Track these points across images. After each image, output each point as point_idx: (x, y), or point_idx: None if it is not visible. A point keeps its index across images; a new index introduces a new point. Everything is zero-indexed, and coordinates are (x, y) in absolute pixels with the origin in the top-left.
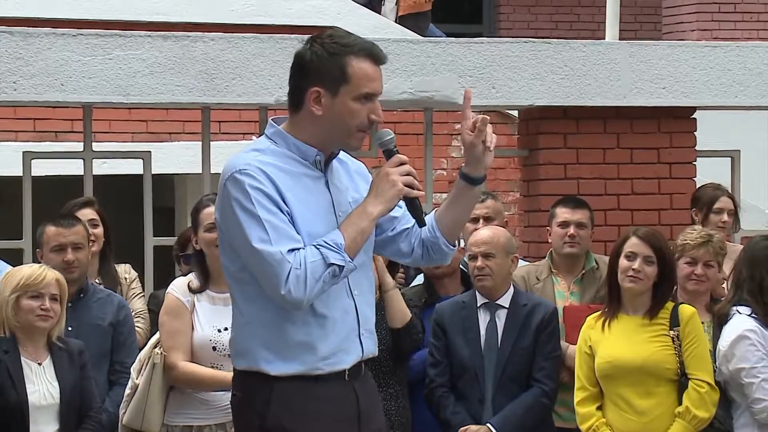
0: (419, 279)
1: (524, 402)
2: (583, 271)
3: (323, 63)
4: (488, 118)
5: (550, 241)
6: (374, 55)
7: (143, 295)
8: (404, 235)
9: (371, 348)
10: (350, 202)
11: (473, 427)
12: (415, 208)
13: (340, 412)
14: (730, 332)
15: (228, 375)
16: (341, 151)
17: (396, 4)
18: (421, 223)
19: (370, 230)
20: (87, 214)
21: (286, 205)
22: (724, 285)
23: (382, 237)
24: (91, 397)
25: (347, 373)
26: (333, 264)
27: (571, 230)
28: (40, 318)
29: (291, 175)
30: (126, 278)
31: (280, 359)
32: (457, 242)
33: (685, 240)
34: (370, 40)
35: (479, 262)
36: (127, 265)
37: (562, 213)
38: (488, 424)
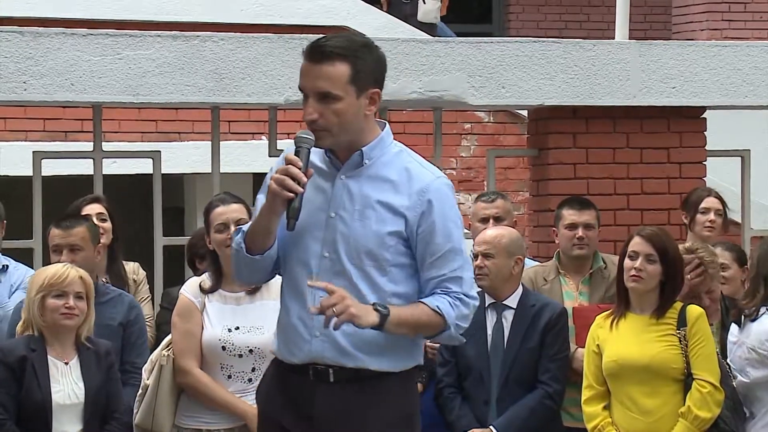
0: None
1: (528, 404)
2: (591, 271)
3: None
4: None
5: (557, 241)
6: (306, 51)
7: (151, 299)
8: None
9: (326, 353)
10: (357, 209)
11: (477, 431)
12: (287, 208)
13: (295, 406)
14: (763, 331)
15: (242, 407)
16: (415, 157)
17: (440, 2)
18: (287, 224)
19: (261, 224)
20: (95, 208)
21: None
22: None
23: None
24: (117, 398)
25: (311, 371)
26: (233, 247)
27: (580, 232)
28: (65, 316)
29: (315, 170)
30: (134, 279)
31: (275, 339)
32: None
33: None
34: (323, 37)
35: (478, 262)
36: (136, 264)
37: (569, 215)
38: (491, 427)
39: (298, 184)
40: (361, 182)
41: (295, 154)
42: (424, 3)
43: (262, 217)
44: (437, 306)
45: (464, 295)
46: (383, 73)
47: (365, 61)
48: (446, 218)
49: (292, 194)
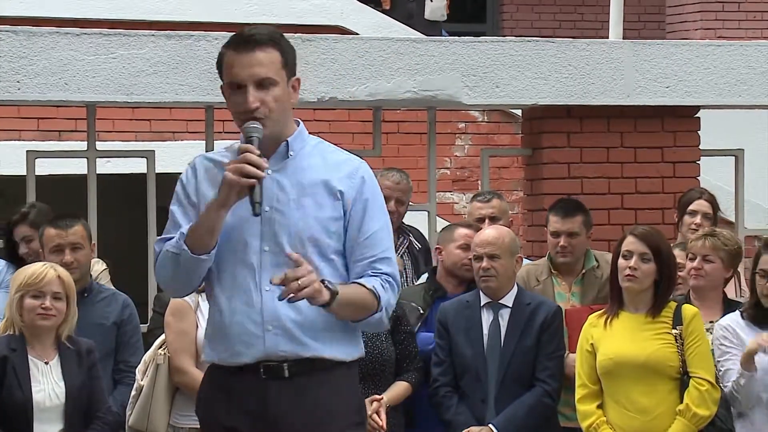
0: (423, 278)
1: (526, 402)
2: (584, 271)
3: (217, 60)
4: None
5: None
6: (234, 42)
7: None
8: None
9: (282, 346)
10: (292, 199)
11: (475, 428)
12: (249, 196)
13: (246, 407)
14: None
15: None
16: (334, 147)
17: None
18: (252, 211)
19: (208, 221)
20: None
21: (198, 199)
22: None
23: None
24: (99, 398)
25: (261, 369)
26: (171, 252)
27: (562, 240)
28: (41, 317)
29: (222, 170)
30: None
31: (207, 347)
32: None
33: (690, 237)
34: (246, 30)
35: (485, 263)
36: (94, 258)
37: (554, 222)
38: (490, 425)
39: (259, 169)
40: (288, 174)
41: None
42: (431, 1)
43: (211, 214)
44: (373, 286)
45: (392, 277)
46: (296, 63)
47: (289, 48)
48: (376, 198)
49: (254, 181)
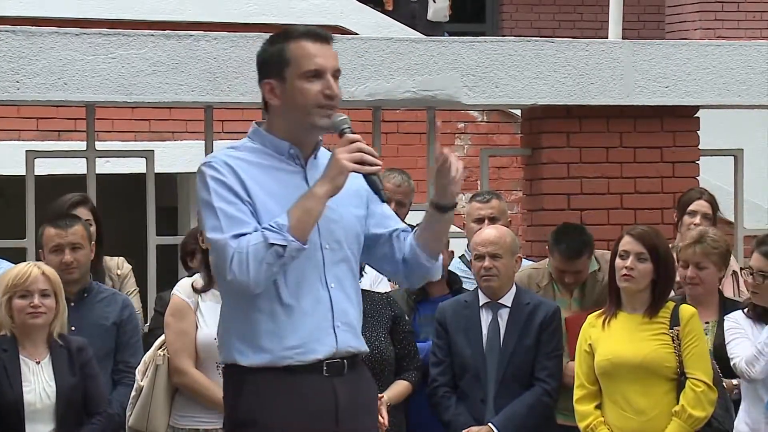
0: None
1: (526, 401)
2: (585, 279)
3: (266, 56)
4: (449, 151)
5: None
6: (312, 33)
7: (138, 291)
8: (390, 240)
9: (350, 342)
10: (333, 198)
11: (475, 428)
12: (371, 183)
13: (313, 407)
14: None
15: None
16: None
17: (448, 1)
18: (380, 198)
19: (317, 210)
20: (82, 213)
21: (249, 196)
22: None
23: (368, 235)
24: (97, 394)
25: (324, 368)
26: (274, 244)
27: (566, 278)
28: (31, 316)
29: (261, 167)
30: (119, 274)
31: (252, 350)
32: (439, 255)
33: (679, 243)
34: (308, 26)
35: (486, 263)
36: (120, 258)
37: (559, 261)
38: (490, 424)
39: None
40: (320, 173)
41: (341, 136)
42: (434, 2)
43: (321, 201)
44: None
45: None
46: None
47: None
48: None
49: (378, 168)
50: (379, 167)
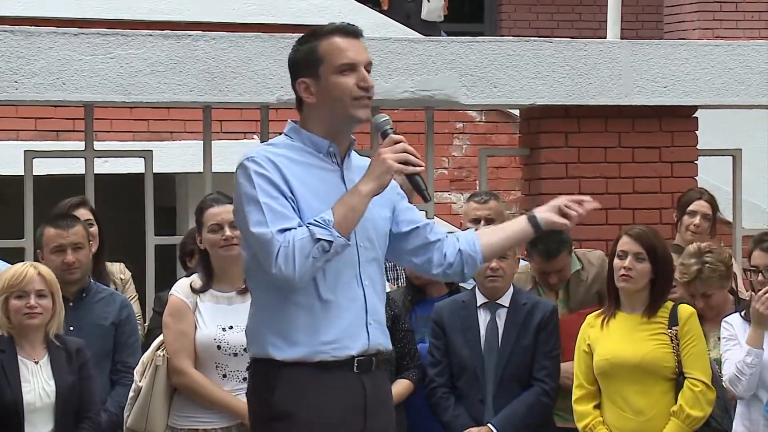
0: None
1: (525, 401)
2: (568, 277)
3: (299, 55)
4: (597, 205)
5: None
6: (342, 29)
7: (138, 298)
8: (435, 245)
9: (380, 339)
10: None
11: (474, 429)
12: (414, 183)
13: (346, 402)
14: None
15: (239, 405)
16: (357, 154)
17: (443, 1)
18: (424, 198)
19: (362, 207)
20: (82, 214)
21: (292, 192)
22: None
23: (398, 233)
24: (90, 397)
25: (356, 364)
26: (320, 239)
27: (550, 279)
28: (28, 316)
29: (303, 165)
30: (121, 278)
31: (287, 344)
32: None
33: (677, 278)
34: (341, 23)
35: (494, 264)
36: (121, 264)
37: (538, 261)
38: (489, 425)
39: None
40: (353, 173)
41: (385, 137)
42: (429, 1)
43: (365, 199)
44: None
45: None
46: None
47: None
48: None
49: (421, 168)
50: (422, 167)
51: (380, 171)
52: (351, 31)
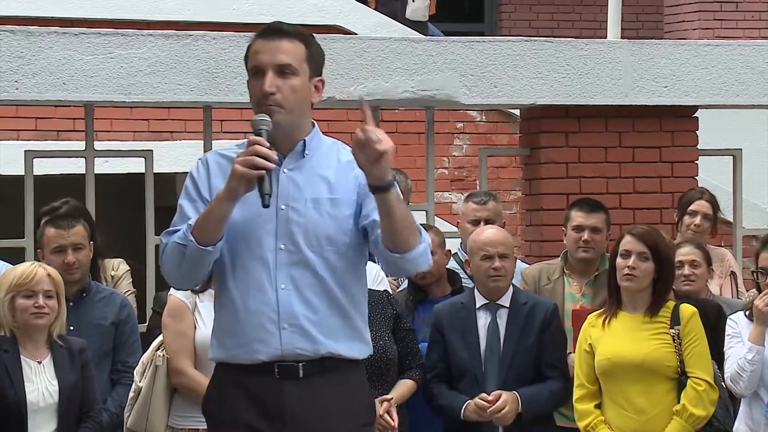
0: (406, 283)
1: (550, 386)
2: (596, 273)
3: (245, 53)
4: (372, 128)
5: (564, 241)
6: (265, 30)
7: (135, 293)
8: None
9: (296, 344)
10: (309, 199)
11: (499, 392)
12: (259, 186)
13: (260, 407)
14: None
15: None
16: (348, 148)
17: (429, 0)
18: (262, 202)
19: (217, 212)
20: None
21: (210, 194)
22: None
23: (362, 227)
24: (91, 397)
25: (276, 369)
26: (177, 243)
27: (586, 235)
28: (35, 316)
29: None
30: (113, 275)
31: (216, 344)
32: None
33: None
34: (276, 22)
35: (497, 263)
36: (118, 260)
37: (577, 217)
38: (515, 392)
39: (268, 161)
40: (304, 174)
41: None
42: (413, 1)
43: (219, 205)
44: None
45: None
46: (323, 66)
47: (316, 47)
48: None
49: (262, 172)
50: (271, 168)
51: (230, 176)
52: (274, 31)
